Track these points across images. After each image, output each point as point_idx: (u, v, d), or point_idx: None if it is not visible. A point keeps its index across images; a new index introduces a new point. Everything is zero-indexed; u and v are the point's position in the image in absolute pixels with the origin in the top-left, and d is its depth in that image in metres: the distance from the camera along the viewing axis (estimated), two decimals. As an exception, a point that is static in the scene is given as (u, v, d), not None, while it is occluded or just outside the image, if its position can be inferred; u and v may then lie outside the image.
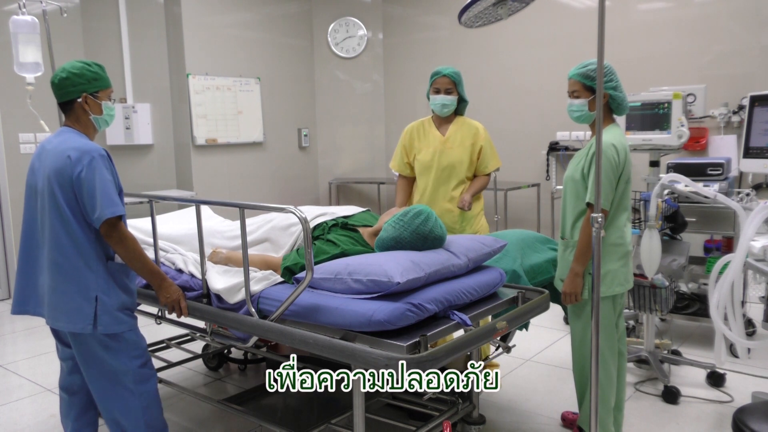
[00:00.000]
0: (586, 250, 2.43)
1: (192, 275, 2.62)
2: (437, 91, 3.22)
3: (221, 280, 2.45)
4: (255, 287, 2.35)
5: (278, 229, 2.74)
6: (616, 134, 2.50)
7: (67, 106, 2.25)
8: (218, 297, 2.46)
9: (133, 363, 2.27)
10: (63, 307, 2.19)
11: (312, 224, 2.64)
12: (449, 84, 3.20)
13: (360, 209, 2.99)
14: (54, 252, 2.19)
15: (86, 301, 2.18)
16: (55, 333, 2.39)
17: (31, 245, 2.31)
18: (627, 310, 3.67)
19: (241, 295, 2.36)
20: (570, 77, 2.52)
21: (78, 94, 2.22)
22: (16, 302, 2.35)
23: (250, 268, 2.45)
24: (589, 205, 2.42)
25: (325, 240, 2.54)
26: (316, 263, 2.31)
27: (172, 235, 2.95)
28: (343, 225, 2.68)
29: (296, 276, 2.33)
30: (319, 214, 2.76)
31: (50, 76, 3.22)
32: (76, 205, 2.16)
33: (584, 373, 2.60)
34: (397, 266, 2.08)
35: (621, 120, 3.61)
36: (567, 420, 2.88)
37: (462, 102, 3.29)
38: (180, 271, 2.70)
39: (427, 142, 3.31)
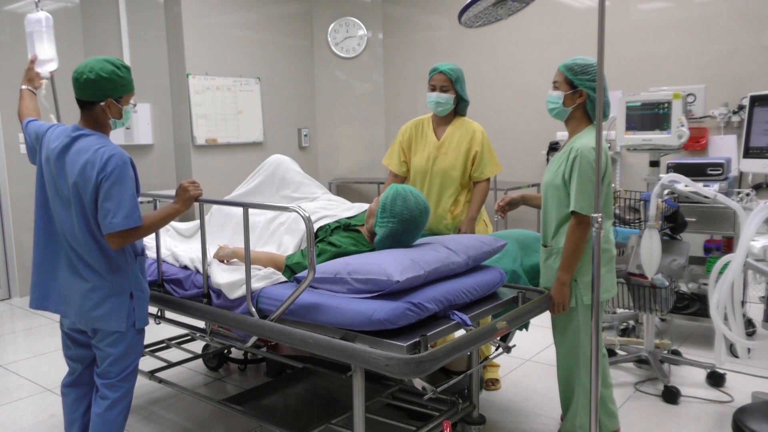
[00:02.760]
0: (573, 258, 2.36)
1: (197, 270, 2.61)
2: (433, 89, 3.09)
3: (224, 275, 2.46)
4: (257, 284, 2.35)
5: (285, 228, 2.74)
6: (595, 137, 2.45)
7: (86, 104, 2.20)
8: (218, 294, 2.46)
9: (135, 360, 2.32)
10: (100, 308, 2.19)
11: (315, 226, 2.65)
12: (445, 81, 3.07)
13: (363, 207, 2.98)
14: (87, 257, 2.18)
15: (122, 300, 2.22)
16: (68, 334, 2.37)
17: (48, 242, 2.28)
18: (627, 310, 3.67)
19: (241, 292, 2.36)
20: (558, 68, 2.48)
21: (102, 99, 2.17)
22: (34, 297, 2.35)
23: (255, 266, 2.46)
24: (574, 213, 2.33)
25: (327, 243, 2.55)
26: (317, 263, 2.32)
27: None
28: (346, 227, 2.68)
29: (297, 275, 2.33)
30: (321, 216, 2.76)
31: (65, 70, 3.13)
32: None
33: (570, 383, 2.57)
34: (397, 265, 2.08)
35: (621, 121, 3.61)
36: None
37: (462, 101, 3.17)
38: (185, 267, 2.70)
39: (423, 145, 3.20)
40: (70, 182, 2.13)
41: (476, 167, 3.15)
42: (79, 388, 2.42)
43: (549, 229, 2.49)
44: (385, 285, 2.04)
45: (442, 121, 3.20)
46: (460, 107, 3.19)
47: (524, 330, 3.00)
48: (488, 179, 3.20)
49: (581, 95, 2.40)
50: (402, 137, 3.29)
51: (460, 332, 2.18)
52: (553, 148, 5.58)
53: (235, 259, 2.60)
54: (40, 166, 2.27)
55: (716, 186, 3.56)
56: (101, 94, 2.17)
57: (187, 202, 2.32)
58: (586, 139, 2.36)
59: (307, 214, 2.08)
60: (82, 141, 2.16)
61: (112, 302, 2.20)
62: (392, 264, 2.09)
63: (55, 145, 2.19)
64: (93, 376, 2.38)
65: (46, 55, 2.86)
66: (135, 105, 2.32)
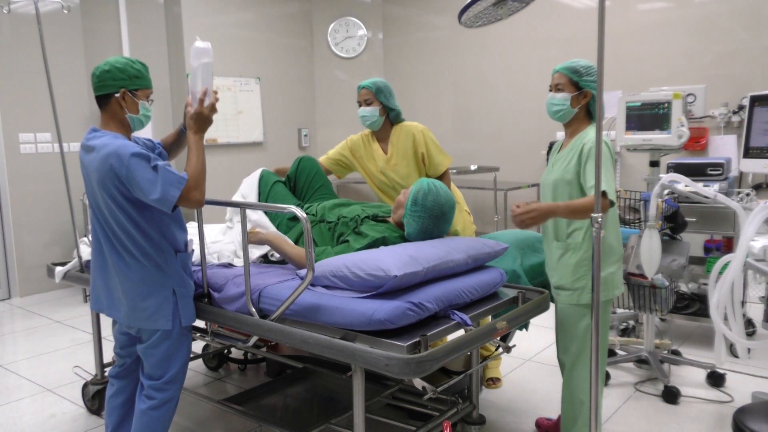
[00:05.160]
0: (574, 214, 2.28)
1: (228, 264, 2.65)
2: (359, 104, 3.16)
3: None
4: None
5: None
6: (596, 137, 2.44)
7: (103, 100, 2.22)
8: (219, 290, 2.46)
9: (181, 361, 2.35)
10: (144, 307, 2.21)
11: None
12: (367, 95, 3.12)
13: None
14: (127, 257, 2.20)
15: (166, 297, 2.23)
16: (117, 336, 2.46)
17: (97, 246, 2.32)
18: (627, 310, 3.67)
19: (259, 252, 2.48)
20: (556, 71, 2.44)
21: (117, 89, 2.19)
22: (92, 300, 2.42)
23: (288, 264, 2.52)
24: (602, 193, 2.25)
25: (355, 233, 2.58)
26: (358, 249, 2.42)
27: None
28: (374, 217, 2.71)
29: (298, 272, 2.35)
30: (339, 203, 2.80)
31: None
32: (135, 208, 2.16)
33: (576, 387, 2.47)
34: (395, 260, 2.09)
35: (621, 121, 3.61)
36: (542, 427, 2.83)
37: (391, 111, 3.17)
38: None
39: (373, 161, 3.23)
40: (95, 185, 2.16)
41: (429, 166, 3.17)
42: (123, 379, 2.48)
43: (561, 225, 2.45)
44: (383, 280, 2.04)
45: (382, 135, 3.22)
46: (392, 116, 3.20)
47: (524, 330, 3.00)
48: (446, 172, 3.20)
49: (585, 96, 2.41)
50: (350, 146, 3.29)
51: (460, 332, 2.18)
52: (553, 148, 5.58)
53: (265, 246, 2.62)
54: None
55: (716, 186, 3.57)
56: (116, 84, 2.19)
57: (205, 127, 2.30)
58: (593, 134, 2.36)
59: (305, 215, 2.08)
60: (94, 142, 2.18)
61: (156, 300, 2.22)
62: (390, 260, 2.10)
63: (81, 154, 2.25)
64: (139, 369, 2.42)
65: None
66: (152, 102, 2.32)
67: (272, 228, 2.80)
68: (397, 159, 3.16)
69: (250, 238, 2.61)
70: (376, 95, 3.12)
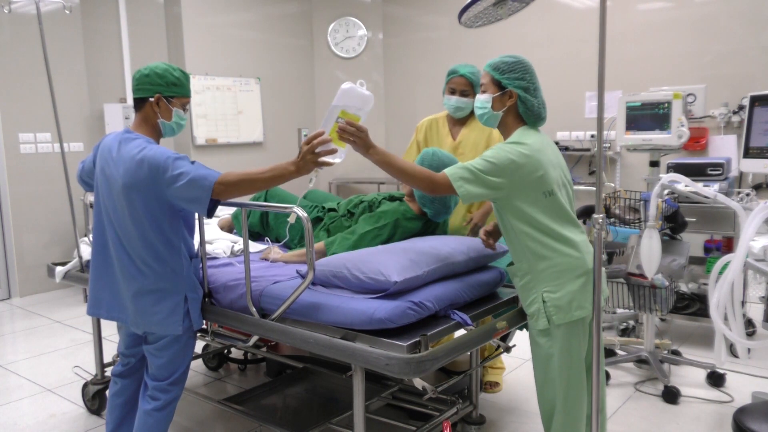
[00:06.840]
0: (394, 169, 2.17)
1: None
2: (452, 92, 2.96)
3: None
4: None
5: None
6: (531, 136, 2.07)
7: (139, 103, 2.24)
8: (221, 291, 2.47)
9: (185, 363, 2.38)
10: (156, 312, 2.22)
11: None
12: (466, 86, 2.93)
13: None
14: (138, 260, 2.20)
15: (178, 303, 2.24)
16: (124, 336, 2.46)
17: (104, 248, 2.31)
18: (627, 310, 3.67)
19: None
20: (483, 69, 2.16)
21: (152, 94, 2.21)
22: (89, 304, 2.40)
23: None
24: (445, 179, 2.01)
25: (368, 215, 2.63)
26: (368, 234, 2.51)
27: None
28: (391, 198, 2.73)
29: (299, 270, 2.36)
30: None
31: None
32: (164, 215, 2.17)
33: (549, 408, 2.15)
34: (396, 265, 2.09)
35: (621, 121, 3.60)
36: None
37: None
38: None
39: (438, 146, 3.08)
40: (120, 185, 2.15)
41: None
42: (126, 378, 2.48)
43: (513, 248, 2.16)
44: (383, 285, 2.04)
45: (459, 121, 3.10)
46: None
47: (524, 330, 2.99)
48: None
49: (511, 96, 2.09)
50: (418, 135, 3.20)
51: (460, 332, 2.18)
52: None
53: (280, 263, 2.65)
54: (97, 175, 2.30)
55: (716, 186, 3.57)
56: (151, 89, 2.21)
57: (303, 171, 2.11)
58: (517, 135, 2.07)
59: (305, 214, 2.08)
60: (127, 145, 2.18)
61: (168, 305, 2.22)
62: (391, 264, 2.09)
63: (108, 152, 2.23)
64: (143, 368, 2.43)
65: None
66: (188, 111, 2.33)
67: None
68: (464, 148, 3.02)
69: (271, 257, 2.66)
70: (475, 87, 2.95)
